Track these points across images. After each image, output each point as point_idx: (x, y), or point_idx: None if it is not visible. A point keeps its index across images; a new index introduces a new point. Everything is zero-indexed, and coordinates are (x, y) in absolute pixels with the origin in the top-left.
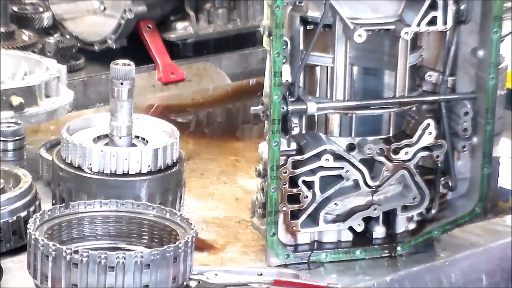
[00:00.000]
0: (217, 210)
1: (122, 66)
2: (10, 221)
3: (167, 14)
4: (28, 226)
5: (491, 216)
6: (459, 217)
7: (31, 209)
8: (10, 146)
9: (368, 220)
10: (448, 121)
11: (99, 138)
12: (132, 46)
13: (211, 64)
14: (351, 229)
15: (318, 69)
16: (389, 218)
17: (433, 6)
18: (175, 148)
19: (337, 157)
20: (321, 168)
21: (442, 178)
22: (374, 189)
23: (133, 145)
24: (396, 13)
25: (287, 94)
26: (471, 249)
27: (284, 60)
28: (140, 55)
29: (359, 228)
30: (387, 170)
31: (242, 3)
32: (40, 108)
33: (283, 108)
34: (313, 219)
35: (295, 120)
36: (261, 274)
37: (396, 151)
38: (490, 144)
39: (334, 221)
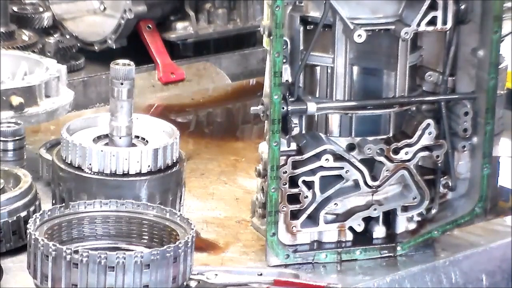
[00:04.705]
0: (217, 210)
1: (122, 66)
2: (10, 221)
3: (167, 14)
4: (28, 226)
5: (491, 216)
6: (459, 217)
7: (31, 209)
8: (10, 146)
9: (368, 220)
10: (448, 121)
11: (99, 138)
12: (132, 46)
13: (211, 64)
14: (351, 229)
15: (318, 69)
16: (389, 218)
17: (433, 6)
18: (175, 148)
19: (337, 157)
20: (321, 168)
21: (442, 178)
22: (374, 189)
23: (133, 145)
24: (396, 13)
25: (287, 94)
26: (471, 249)
27: (284, 60)
28: (140, 55)
29: (359, 228)
30: (387, 170)
31: (242, 3)
32: (40, 108)
33: (283, 108)
34: (313, 219)
35: (295, 120)
36: (261, 274)
37: (396, 151)
38: (490, 144)
39: (334, 221)
